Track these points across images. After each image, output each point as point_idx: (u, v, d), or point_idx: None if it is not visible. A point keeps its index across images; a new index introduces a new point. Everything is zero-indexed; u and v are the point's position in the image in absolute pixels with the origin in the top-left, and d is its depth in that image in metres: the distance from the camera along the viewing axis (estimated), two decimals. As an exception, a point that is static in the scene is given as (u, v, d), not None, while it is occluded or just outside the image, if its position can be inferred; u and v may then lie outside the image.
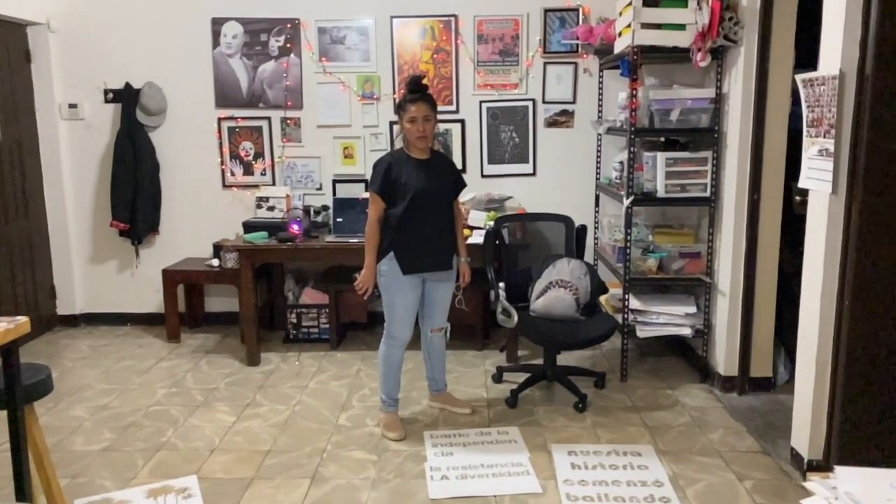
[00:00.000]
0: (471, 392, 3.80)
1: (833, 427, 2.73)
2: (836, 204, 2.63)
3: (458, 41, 4.65)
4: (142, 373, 4.16)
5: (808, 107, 2.75)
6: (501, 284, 3.74)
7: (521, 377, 3.90)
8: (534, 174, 4.79)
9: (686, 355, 4.22)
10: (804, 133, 2.80)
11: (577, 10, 4.55)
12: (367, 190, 4.71)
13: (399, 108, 3.19)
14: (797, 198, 3.51)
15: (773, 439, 3.23)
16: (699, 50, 3.51)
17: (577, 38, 4.39)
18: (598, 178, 4.66)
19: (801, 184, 2.82)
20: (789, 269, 3.82)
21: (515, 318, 3.52)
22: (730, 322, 3.68)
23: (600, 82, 4.57)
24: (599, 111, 4.59)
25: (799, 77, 2.78)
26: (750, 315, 3.65)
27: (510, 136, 4.75)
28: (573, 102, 4.68)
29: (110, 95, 4.80)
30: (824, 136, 2.66)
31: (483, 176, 4.78)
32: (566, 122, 4.72)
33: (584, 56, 4.60)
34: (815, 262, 2.75)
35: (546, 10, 4.58)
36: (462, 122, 4.74)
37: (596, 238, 4.61)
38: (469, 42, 4.65)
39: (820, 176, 2.68)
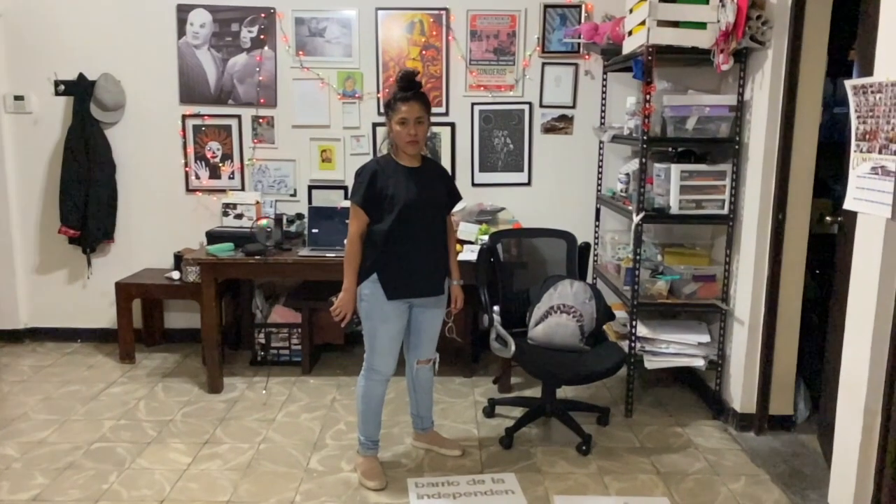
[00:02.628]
0: (460, 429, 3.39)
1: (883, 486, 2.37)
2: (894, 230, 2.27)
3: (450, 37, 4.24)
4: (88, 400, 3.68)
5: (859, 117, 2.39)
6: (496, 308, 3.34)
7: (515, 410, 3.52)
8: (529, 184, 4.40)
9: (695, 387, 3.85)
10: (852, 148, 2.44)
11: (579, 6, 4.18)
12: (346, 198, 4.31)
13: (387, 107, 2.78)
14: (828, 218, 3.16)
15: (802, 491, 2.86)
16: (722, 51, 3.15)
17: (581, 37, 4.01)
18: (599, 190, 4.29)
19: (848, 205, 2.45)
20: (809, 295, 3.48)
21: (513, 347, 3.12)
22: (748, 353, 3.32)
23: (604, 85, 4.20)
24: (602, 117, 4.22)
25: (849, 83, 2.42)
26: (771, 346, 3.29)
27: (504, 141, 4.36)
28: (573, 107, 4.31)
29: (61, 87, 4.32)
30: (880, 152, 2.30)
31: (474, 185, 4.38)
32: (565, 129, 4.34)
33: (586, 57, 4.23)
34: (865, 298, 2.38)
35: (545, 6, 4.19)
36: (452, 125, 4.33)
37: (596, 255, 4.23)
38: (461, 38, 4.25)
39: (873, 197, 2.32)
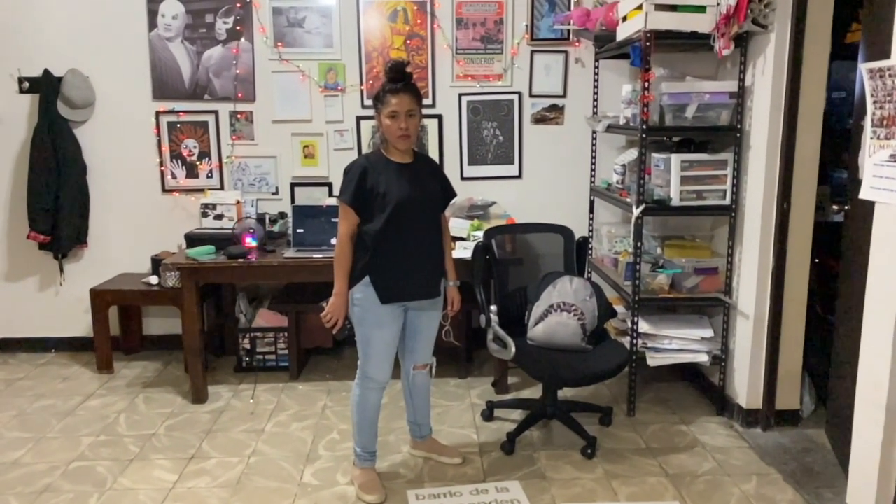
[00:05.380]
0: (458, 434, 3.25)
1: (906, 487, 2.28)
2: (916, 221, 2.17)
3: (435, 25, 4.08)
4: (64, 415, 3.49)
5: (876, 102, 2.29)
6: (493, 308, 3.20)
7: (514, 412, 3.41)
8: (520, 177, 4.26)
9: (696, 382, 3.76)
10: (869, 134, 2.33)
11: (568, -9, 4.04)
12: (331, 195, 4.15)
13: (376, 100, 2.61)
14: (833, 206, 3.06)
15: (815, 490, 2.77)
16: (722, 36, 3.03)
17: (572, 24, 3.86)
18: (592, 182, 4.16)
19: (865, 195, 2.35)
20: (810, 285, 3.40)
21: (513, 349, 2.99)
22: (753, 348, 3.22)
23: (595, 74, 4.07)
24: (594, 106, 4.08)
25: (864, 66, 2.31)
26: (777, 340, 3.19)
27: (493, 133, 4.21)
28: (563, 96, 4.17)
29: (26, 85, 4.08)
30: (899, 138, 2.19)
31: (463, 178, 4.23)
32: (555, 119, 4.20)
33: (577, 44, 4.09)
34: (885, 292, 2.28)
35: (534, -8, 4.05)
36: (439, 117, 4.18)
37: (590, 249, 4.11)
38: (447, 27, 4.09)
39: (892, 186, 2.22)
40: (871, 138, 2.31)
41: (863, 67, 2.33)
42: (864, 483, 2.42)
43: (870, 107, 2.31)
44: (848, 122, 3.60)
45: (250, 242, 3.61)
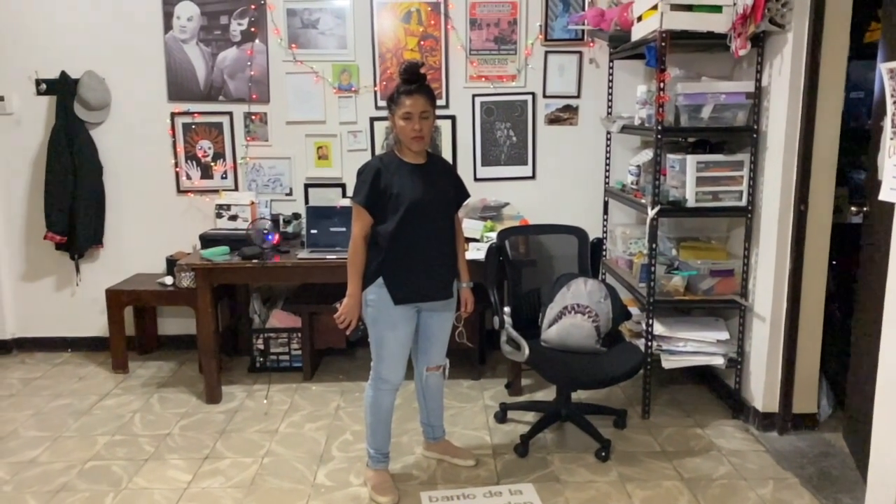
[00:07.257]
0: (471, 436, 3.24)
1: (927, 493, 2.24)
2: (937, 223, 2.14)
3: (448, 26, 4.07)
4: (80, 414, 3.52)
5: (896, 103, 2.25)
6: (507, 309, 3.18)
7: (528, 414, 3.40)
8: (533, 177, 4.25)
9: (711, 385, 3.73)
10: (888, 135, 2.30)
11: (582, -8, 4.03)
12: (344, 196, 4.15)
13: (390, 101, 2.61)
14: (852, 208, 3.02)
15: (833, 495, 2.74)
16: (739, 35, 3.00)
17: (586, 24, 3.85)
18: (606, 183, 4.14)
19: (885, 196, 2.32)
20: (828, 287, 3.36)
21: (526, 350, 2.98)
22: (770, 350, 3.19)
23: (610, 74, 4.04)
24: (609, 107, 4.06)
25: (884, 66, 2.28)
26: (793, 343, 3.16)
27: (507, 134, 4.20)
28: (577, 97, 4.15)
29: (43, 86, 4.12)
30: (920, 139, 2.16)
31: (476, 179, 4.22)
32: (569, 119, 4.18)
33: (591, 44, 4.07)
34: (905, 293, 2.25)
35: (548, -7, 4.04)
36: (452, 118, 4.17)
37: (604, 250, 4.09)
38: (460, 28, 4.08)
39: (913, 187, 2.19)
40: (891, 139, 2.28)
41: (882, 67, 2.29)
42: (883, 489, 2.38)
43: (889, 107, 2.27)
44: (867, 122, 3.57)
45: (270, 239, 3.63)
